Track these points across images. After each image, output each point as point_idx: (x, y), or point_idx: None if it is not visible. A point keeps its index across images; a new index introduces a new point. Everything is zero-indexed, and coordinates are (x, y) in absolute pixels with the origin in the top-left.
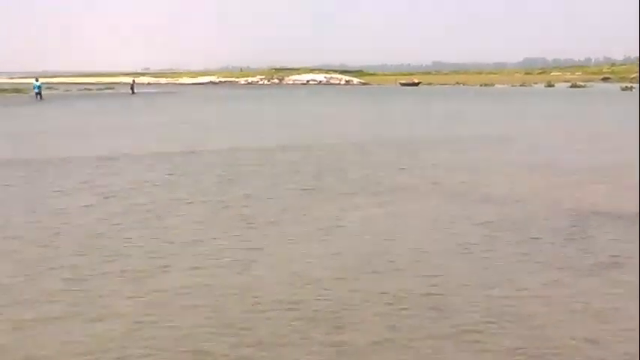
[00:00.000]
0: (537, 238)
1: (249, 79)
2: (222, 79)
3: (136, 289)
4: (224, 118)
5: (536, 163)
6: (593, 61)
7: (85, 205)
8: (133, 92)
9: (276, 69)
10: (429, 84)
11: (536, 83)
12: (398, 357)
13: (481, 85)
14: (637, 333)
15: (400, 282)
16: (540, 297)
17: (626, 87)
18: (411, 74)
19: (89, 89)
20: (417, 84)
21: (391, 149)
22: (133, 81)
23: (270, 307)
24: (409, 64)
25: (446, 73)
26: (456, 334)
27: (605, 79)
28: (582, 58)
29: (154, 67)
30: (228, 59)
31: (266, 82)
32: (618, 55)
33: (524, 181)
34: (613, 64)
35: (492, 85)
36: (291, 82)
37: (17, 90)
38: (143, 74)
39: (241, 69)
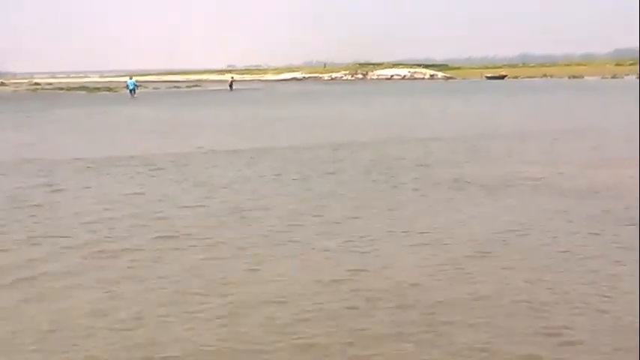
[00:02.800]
0: None
1: (333, 75)
2: (307, 75)
3: None
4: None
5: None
6: None
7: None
8: (232, 89)
9: (360, 64)
10: (516, 77)
11: (627, 74)
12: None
13: (569, 78)
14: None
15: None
16: None
17: None
18: (497, 67)
19: (178, 87)
20: (503, 77)
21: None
22: (232, 78)
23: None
24: (495, 57)
25: (532, 66)
26: None
27: None
28: None
29: (240, 64)
30: (312, 54)
31: (349, 77)
32: None
33: None
34: None
35: (581, 77)
36: (375, 77)
37: (109, 88)
38: (229, 71)
39: (325, 64)
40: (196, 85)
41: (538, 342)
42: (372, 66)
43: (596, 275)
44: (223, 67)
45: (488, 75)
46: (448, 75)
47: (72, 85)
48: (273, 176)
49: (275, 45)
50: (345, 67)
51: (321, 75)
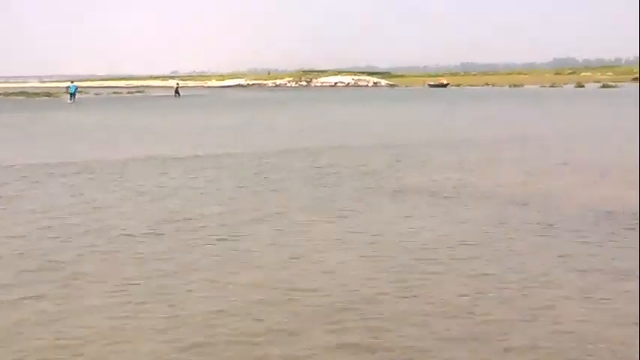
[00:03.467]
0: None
1: (277, 82)
2: (251, 82)
3: None
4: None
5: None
6: (623, 61)
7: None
8: (178, 95)
9: (304, 71)
10: (458, 85)
11: (566, 84)
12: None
13: (510, 86)
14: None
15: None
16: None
17: None
18: (440, 75)
19: (119, 92)
20: (445, 85)
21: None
22: (177, 84)
23: None
24: (437, 65)
25: (474, 74)
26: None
27: (635, 79)
28: (613, 58)
29: (183, 71)
30: (256, 61)
31: (294, 84)
32: None
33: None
34: None
35: (522, 85)
36: (319, 84)
37: (49, 94)
38: (172, 77)
39: (269, 72)
40: (139, 91)
41: (473, 347)
42: (316, 73)
43: (527, 275)
44: (166, 73)
45: (431, 83)
46: (391, 82)
47: (10, 91)
48: (209, 184)
49: (219, 52)
50: (290, 75)
51: (265, 82)
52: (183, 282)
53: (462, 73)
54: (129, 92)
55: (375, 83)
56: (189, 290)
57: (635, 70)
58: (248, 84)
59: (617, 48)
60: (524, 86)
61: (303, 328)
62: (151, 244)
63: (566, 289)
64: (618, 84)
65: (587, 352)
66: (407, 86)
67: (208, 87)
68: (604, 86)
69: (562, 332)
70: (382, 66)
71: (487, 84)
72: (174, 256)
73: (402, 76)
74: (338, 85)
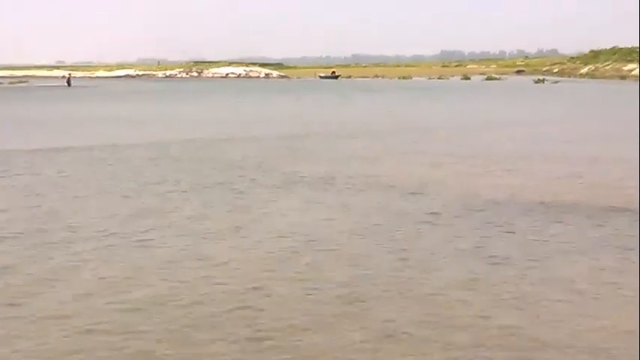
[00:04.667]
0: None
1: (168, 72)
2: (140, 73)
3: None
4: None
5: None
6: (507, 54)
7: None
8: (69, 85)
9: (195, 62)
10: (349, 77)
11: (452, 76)
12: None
13: (399, 78)
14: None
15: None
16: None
17: (539, 79)
18: (331, 67)
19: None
20: (336, 76)
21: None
22: (69, 74)
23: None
24: (329, 57)
25: (365, 66)
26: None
27: (519, 72)
28: (497, 51)
29: (69, 60)
30: (146, 51)
31: (185, 75)
32: (531, 49)
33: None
34: (527, 57)
35: (410, 77)
36: (210, 75)
37: None
38: (57, 67)
39: (159, 62)
40: (22, 82)
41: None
42: (207, 64)
43: (406, 263)
44: (52, 63)
45: (322, 74)
46: (283, 74)
47: None
48: (87, 176)
49: (107, 41)
50: (180, 65)
51: (155, 73)
52: None
53: (353, 65)
54: (11, 83)
55: (266, 74)
56: None
57: (517, 63)
58: (138, 74)
59: (501, 41)
60: (413, 78)
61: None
62: None
63: (446, 274)
64: (502, 76)
65: (474, 336)
66: (299, 77)
67: (97, 77)
68: (489, 78)
69: (439, 315)
70: (275, 57)
71: (377, 75)
72: None
73: (293, 67)
74: (230, 75)
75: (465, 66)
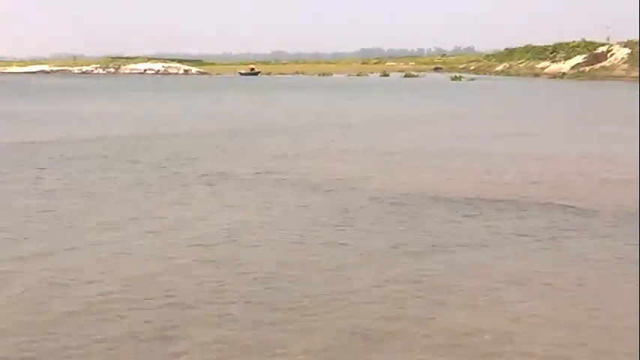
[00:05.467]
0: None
1: (84, 68)
2: (55, 68)
3: None
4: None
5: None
6: (425, 51)
7: None
8: None
9: (112, 57)
10: (269, 73)
11: (372, 72)
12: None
13: (320, 75)
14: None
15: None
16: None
17: (456, 77)
18: (252, 64)
19: None
20: (256, 73)
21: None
22: None
23: None
24: (249, 54)
25: (285, 63)
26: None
27: (436, 69)
28: (415, 49)
29: None
30: (61, 46)
31: (101, 71)
32: (449, 46)
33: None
34: (444, 55)
35: (330, 74)
36: (127, 71)
37: None
38: None
39: (74, 57)
40: None
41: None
42: (124, 60)
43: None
44: None
45: (242, 71)
46: (202, 70)
47: None
48: None
49: (19, 35)
50: (97, 61)
51: (70, 68)
52: None
53: (273, 62)
54: None
55: (185, 71)
56: None
57: (435, 61)
58: (52, 70)
59: (419, 39)
60: (333, 75)
61: None
62: None
63: (353, 269)
64: (420, 73)
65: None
66: (218, 74)
67: (9, 73)
68: (407, 75)
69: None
70: (194, 53)
71: (297, 72)
72: None
73: (212, 63)
74: (147, 72)
75: (384, 63)
